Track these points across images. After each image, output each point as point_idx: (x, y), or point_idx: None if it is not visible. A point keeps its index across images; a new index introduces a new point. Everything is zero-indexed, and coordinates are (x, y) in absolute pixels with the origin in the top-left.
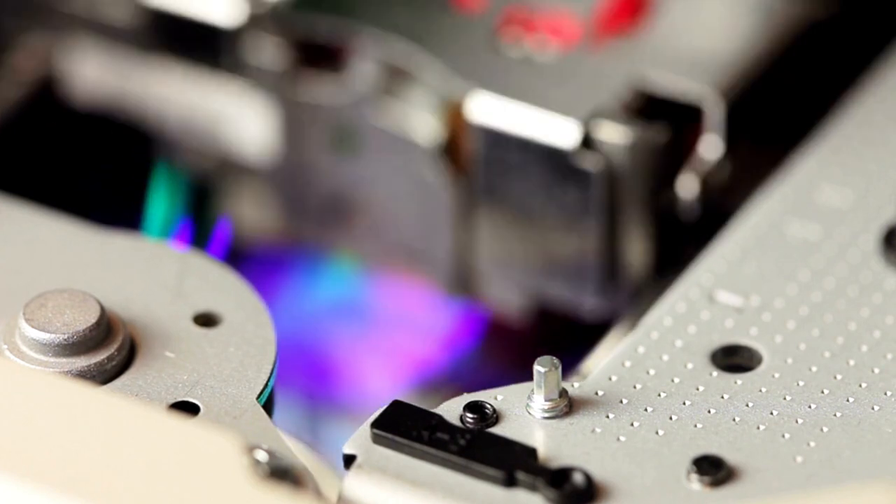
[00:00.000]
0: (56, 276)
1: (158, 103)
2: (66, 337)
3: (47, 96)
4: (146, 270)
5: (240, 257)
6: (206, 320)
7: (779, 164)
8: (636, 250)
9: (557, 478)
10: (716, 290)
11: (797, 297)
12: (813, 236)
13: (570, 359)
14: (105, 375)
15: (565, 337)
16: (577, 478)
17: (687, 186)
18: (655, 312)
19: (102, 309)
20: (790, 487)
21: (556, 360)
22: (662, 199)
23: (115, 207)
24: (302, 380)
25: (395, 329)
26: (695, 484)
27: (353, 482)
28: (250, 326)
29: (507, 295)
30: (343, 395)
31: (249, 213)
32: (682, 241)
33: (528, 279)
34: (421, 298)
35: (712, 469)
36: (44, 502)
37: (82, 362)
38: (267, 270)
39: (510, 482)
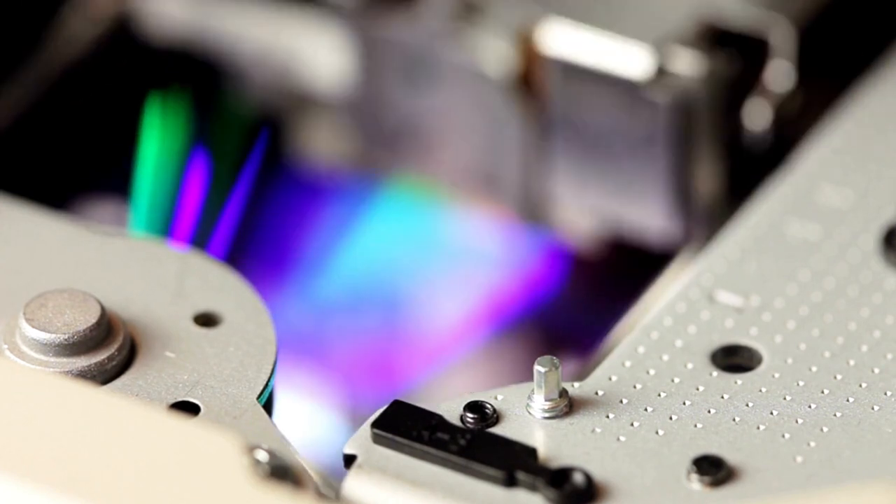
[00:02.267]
0: (56, 276)
1: (234, 38)
2: (66, 337)
3: (123, 33)
4: (146, 270)
5: (317, 189)
6: (206, 320)
7: (847, 94)
8: (707, 178)
9: (557, 478)
10: (716, 290)
11: (797, 297)
12: (813, 236)
13: (641, 285)
14: (105, 375)
15: (637, 264)
16: (578, 478)
17: (758, 116)
18: (655, 312)
19: (103, 309)
20: (790, 487)
21: (556, 360)
22: (734, 129)
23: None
24: (303, 379)
25: (469, 261)
26: (695, 484)
27: (354, 482)
28: (250, 326)
29: (581, 222)
30: (343, 395)
31: (325, 145)
32: (753, 169)
33: (602, 207)
34: (495, 228)
35: (712, 469)
36: (44, 502)
37: (82, 362)
38: (342, 201)
39: (510, 482)
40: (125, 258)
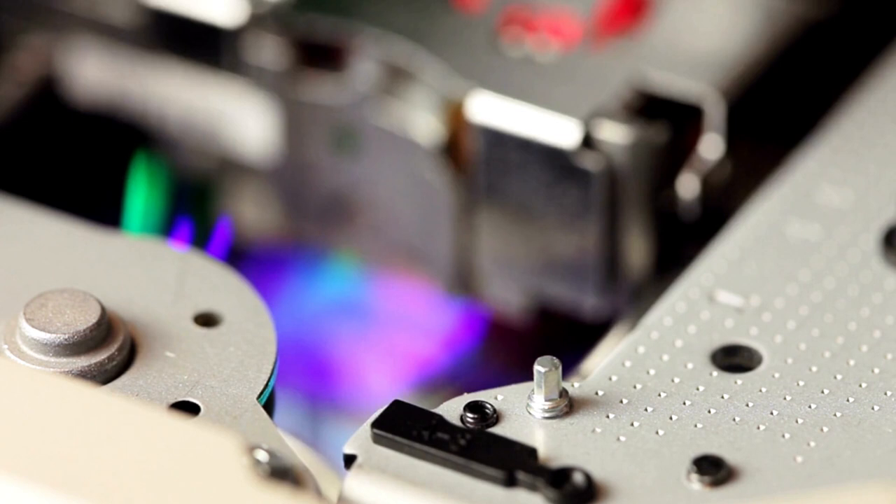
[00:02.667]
0: (56, 276)
1: (159, 103)
2: (66, 337)
3: (48, 96)
4: (146, 270)
5: (240, 257)
6: (206, 320)
7: (779, 164)
8: (636, 250)
9: (557, 478)
10: (716, 290)
11: (797, 297)
12: (813, 236)
13: (571, 359)
14: (105, 375)
15: (565, 337)
16: (578, 478)
17: (687, 186)
18: (655, 312)
19: (103, 309)
20: (790, 487)
21: (556, 360)
22: (663, 199)
23: (116, 207)
24: (303, 380)
25: (396, 328)
26: (695, 484)
27: (354, 482)
28: (251, 326)
29: (508, 294)
30: (343, 395)
31: (250, 212)
32: (682, 240)
33: (529, 279)
34: (421, 298)
35: (712, 469)
36: (44, 502)
37: (83, 362)
38: (267, 270)
39: (510, 482)
40: (125, 258)
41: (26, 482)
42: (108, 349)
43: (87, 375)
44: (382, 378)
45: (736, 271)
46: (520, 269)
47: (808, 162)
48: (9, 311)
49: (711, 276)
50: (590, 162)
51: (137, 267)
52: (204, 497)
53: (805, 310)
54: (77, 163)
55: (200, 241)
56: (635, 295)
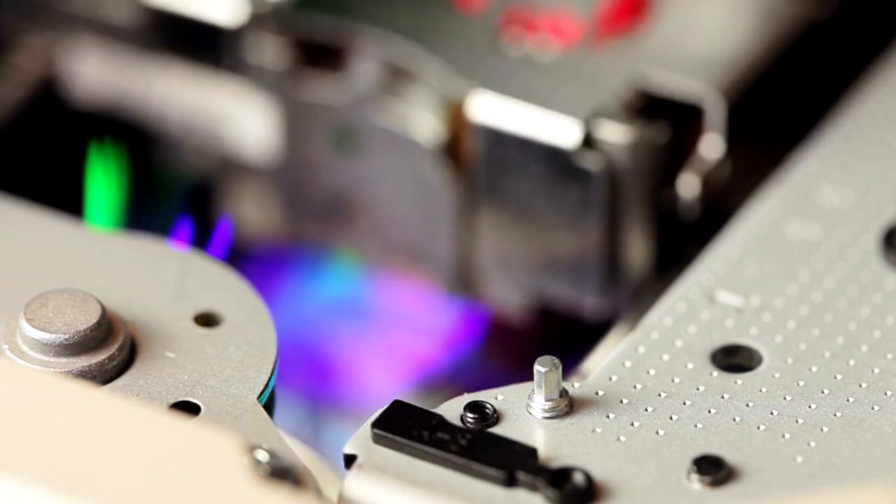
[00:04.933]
0: (57, 276)
1: (159, 103)
2: (66, 337)
3: (49, 96)
4: (147, 270)
5: (241, 257)
6: (206, 320)
7: (779, 164)
8: (637, 249)
9: (558, 478)
10: (716, 290)
11: (797, 297)
12: (813, 236)
13: (571, 358)
14: (106, 375)
15: (566, 336)
16: (578, 478)
17: (688, 186)
18: (656, 312)
19: (103, 309)
20: (790, 487)
21: (556, 360)
22: (663, 199)
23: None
24: (303, 380)
25: (396, 328)
26: (695, 484)
27: (354, 482)
28: (251, 326)
29: (508, 294)
30: (343, 395)
31: (250, 212)
32: (682, 240)
33: (529, 278)
34: (422, 298)
35: (712, 469)
36: (44, 502)
37: (83, 362)
38: (268, 270)
39: (510, 482)
40: (125, 258)
41: (26, 482)
42: (109, 349)
43: (87, 375)
44: (383, 378)
45: (736, 271)
46: (520, 268)
47: (808, 162)
48: (9, 311)
49: (711, 276)
50: (590, 162)
51: (137, 267)
52: (204, 497)
53: (805, 310)
54: (78, 163)
55: (200, 240)
56: (635, 294)
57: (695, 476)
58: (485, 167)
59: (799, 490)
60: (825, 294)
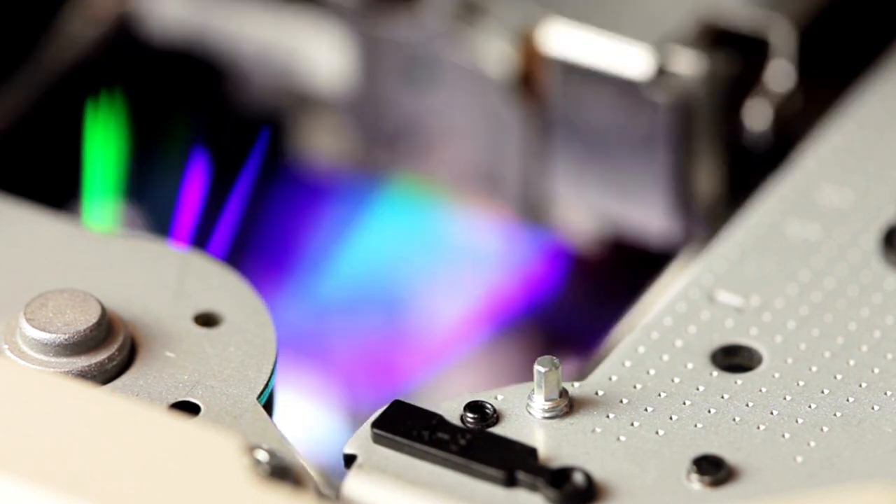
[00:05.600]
0: (57, 276)
1: (235, 38)
2: (66, 337)
3: (124, 34)
4: (146, 270)
5: (316, 189)
6: (206, 320)
7: (847, 94)
8: (707, 178)
9: (558, 478)
10: (716, 290)
11: (797, 297)
12: (813, 236)
13: (641, 285)
14: (105, 375)
15: (637, 264)
16: (578, 478)
17: (758, 116)
18: (655, 312)
19: (103, 309)
20: (790, 487)
21: (556, 360)
22: (733, 129)
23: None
24: (303, 379)
25: (469, 260)
26: (695, 484)
27: (354, 482)
28: (251, 326)
29: (580, 221)
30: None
31: (325, 144)
32: (752, 169)
33: (601, 206)
34: (495, 227)
35: (712, 469)
36: (44, 502)
37: (83, 362)
38: (343, 200)
39: (510, 482)
40: (125, 258)
41: (26, 482)
42: (108, 349)
43: (87, 375)
44: (458, 314)
45: (736, 271)
46: (592, 197)
47: (808, 162)
48: (9, 311)
49: (711, 276)
50: (660, 93)
51: (137, 267)
52: (204, 497)
53: (805, 310)
54: (153, 101)
55: (272, 175)
56: (705, 222)
57: (695, 476)
58: (557, 98)
59: (799, 490)
60: (825, 294)
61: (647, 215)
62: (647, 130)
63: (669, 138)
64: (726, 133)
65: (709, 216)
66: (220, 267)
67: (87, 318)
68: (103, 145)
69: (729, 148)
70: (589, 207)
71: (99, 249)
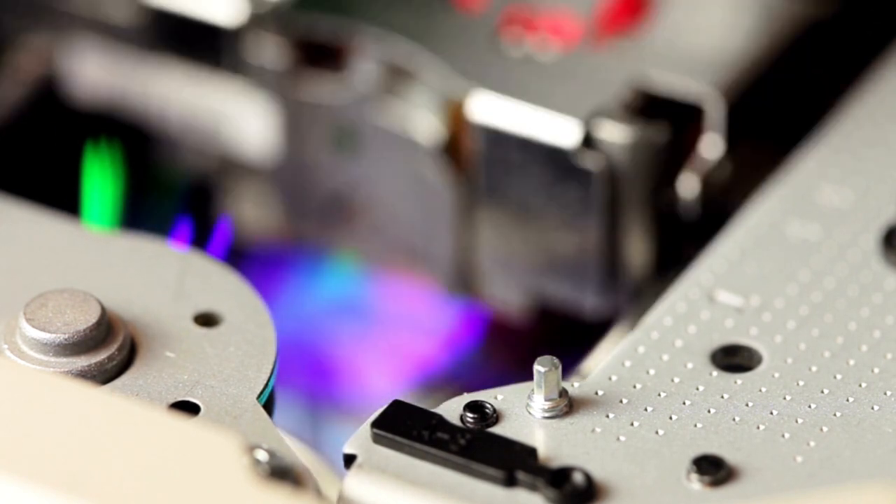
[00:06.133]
0: (56, 276)
1: (160, 102)
2: (66, 337)
3: (49, 95)
4: (146, 270)
5: (241, 256)
6: (206, 320)
7: (779, 164)
8: (637, 249)
9: (557, 477)
10: (716, 290)
11: (797, 297)
12: (813, 236)
13: (571, 358)
14: (105, 375)
15: (566, 336)
16: (577, 477)
17: (687, 186)
18: (655, 312)
19: (103, 309)
20: (790, 487)
21: (555, 360)
22: (663, 199)
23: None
24: (303, 380)
25: (397, 328)
26: (695, 484)
27: (354, 482)
28: (250, 326)
29: (509, 294)
30: (343, 395)
31: (250, 212)
32: (682, 240)
33: (530, 278)
34: (422, 297)
35: (712, 469)
36: (44, 502)
37: (83, 362)
38: (268, 269)
39: (510, 482)
40: (125, 258)
41: (26, 482)
42: (108, 349)
43: (87, 375)
44: (383, 378)
45: (736, 271)
46: (520, 268)
47: (808, 162)
48: (9, 311)
49: (711, 276)
50: (590, 162)
51: (137, 267)
52: (204, 497)
53: (805, 310)
54: (77, 162)
55: (200, 240)
56: (636, 294)
57: (695, 476)
58: (485, 167)
59: (799, 490)
60: (825, 294)
61: (576, 286)
62: (577, 199)
63: (599, 207)
64: (657, 202)
65: (639, 287)
66: (220, 267)
67: (86, 318)
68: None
69: (659, 218)
70: (517, 280)
71: (99, 249)
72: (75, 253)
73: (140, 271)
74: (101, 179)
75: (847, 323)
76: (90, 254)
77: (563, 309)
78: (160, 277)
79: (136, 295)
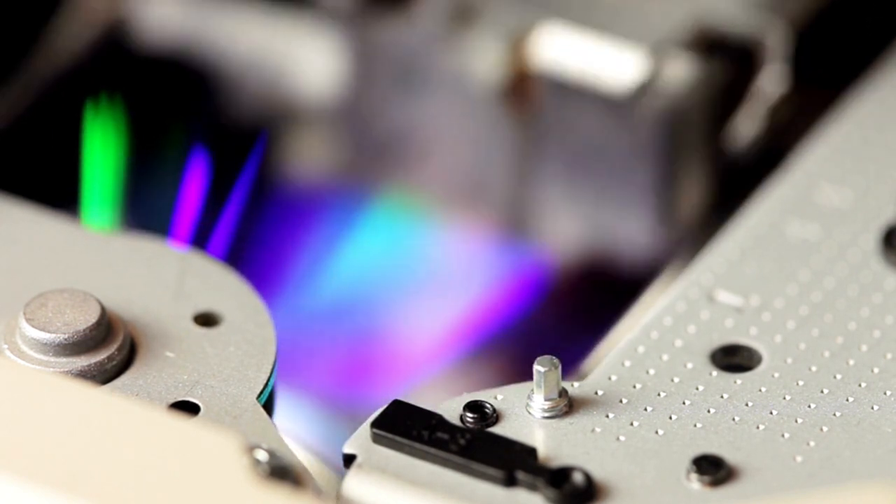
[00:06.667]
0: (56, 276)
1: (227, 43)
2: (66, 337)
3: (117, 39)
4: (146, 270)
5: (301, 198)
6: (206, 320)
7: (842, 99)
8: (695, 189)
9: (557, 477)
10: (716, 290)
11: (797, 297)
12: (813, 236)
13: (625, 300)
14: (105, 375)
15: (621, 277)
16: (577, 477)
17: (750, 123)
18: (655, 312)
19: (103, 309)
20: (790, 487)
21: (555, 360)
22: (725, 137)
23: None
24: (305, 380)
25: (453, 277)
26: (695, 484)
27: (353, 482)
28: (251, 326)
29: (567, 233)
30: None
31: (314, 153)
32: (744, 177)
33: (588, 218)
34: (481, 239)
35: (712, 469)
36: (44, 502)
37: (83, 362)
38: (328, 211)
39: (510, 482)
40: (125, 258)
41: (26, 482)
42: (108, 349)
43: (87, 375)
44: (439, 326)
45: (736, 271)
46: (578, 209)
47: (808, 162)
48: (9, 311)
49: (711, 276)
50: (651, 102)
51: (137, 267)
52: (204, 497)
53: (805, 310)
54: (145, 107)
55: (261, 186)
56: (692, 234)
57: (694, 476)
58: (547, 105)
59: (799, 490)
60: (825, 294)
61: (634, 228)
62: (637, 141)
63: (658, 149)
64: (717, 142)
65: (695, 229)
66: (220, 267)
67: (86, 318)
68: (99, 150)
69: (720, 156)
70: (575, 219)
71: (99, 249)
72: (75, 253)
73: (140, 271)
74: (103, 145)
75: (847, 323)
76: (90, 254)
77: (619, 250)
78: (160, 277)
79: (136, 295)
